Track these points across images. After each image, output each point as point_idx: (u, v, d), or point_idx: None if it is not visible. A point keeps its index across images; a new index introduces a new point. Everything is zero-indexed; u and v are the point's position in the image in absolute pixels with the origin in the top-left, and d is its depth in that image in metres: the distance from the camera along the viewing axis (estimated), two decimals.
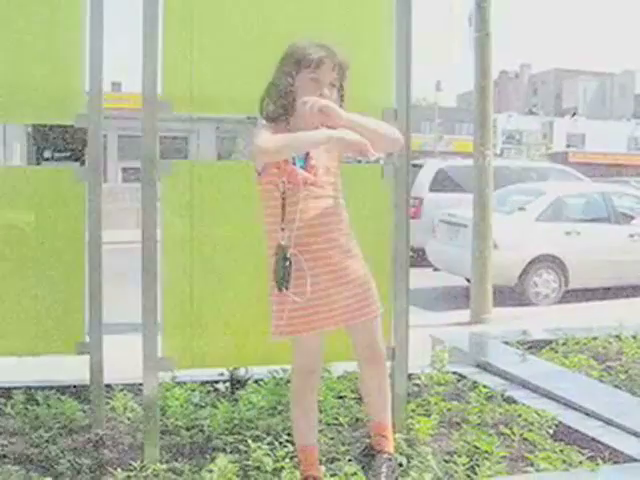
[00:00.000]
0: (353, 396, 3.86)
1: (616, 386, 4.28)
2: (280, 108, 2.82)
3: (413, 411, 3.66)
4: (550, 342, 5.22)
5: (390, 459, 2.99)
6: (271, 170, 2.79)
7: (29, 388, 3.95)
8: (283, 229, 2.76)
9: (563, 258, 9.71)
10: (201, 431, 3.49)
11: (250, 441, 3.18)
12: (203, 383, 4.09)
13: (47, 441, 3.36)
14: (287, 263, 2.72)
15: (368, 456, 3.10)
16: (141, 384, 3.27)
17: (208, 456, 3.18)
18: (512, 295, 9.38)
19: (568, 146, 56.48)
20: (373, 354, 2.96)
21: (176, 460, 3.17)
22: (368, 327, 2.91)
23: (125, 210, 18.60)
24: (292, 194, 2.77)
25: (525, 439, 3.40)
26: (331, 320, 2.84)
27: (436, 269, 10.82)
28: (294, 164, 2.79)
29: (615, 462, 3.17)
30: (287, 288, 2.73)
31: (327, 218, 2.83)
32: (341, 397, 3.88)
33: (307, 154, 2.84)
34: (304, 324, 2.80)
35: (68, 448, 3.30)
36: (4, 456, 3.22)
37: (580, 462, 3.12)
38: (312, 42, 2.80)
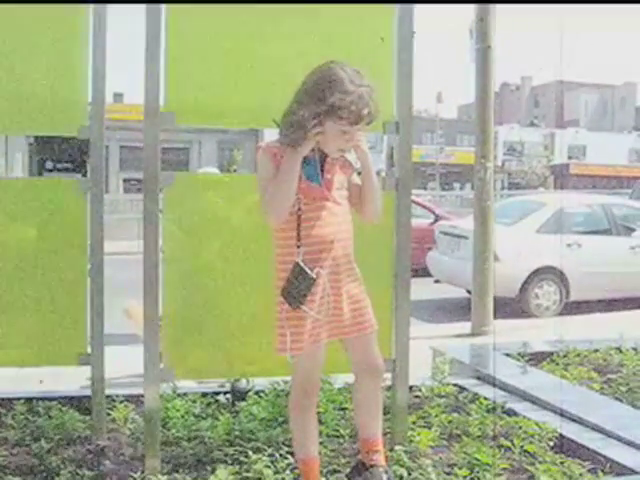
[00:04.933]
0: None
1: (617, 398, 4.28)
2: (294, 141, 2.70)
3: (414, 423, 3.66)
4: (551, 354, 5.21)
5: (387, 471, 2.97)
6: None
7: (30, 399, 3.95)
8: (299, 246, 2.73)
9: (564, 270, 9.69)
10: (202, 442, 3.49)
11: (251, 452, 3.17)
12: (204, 394, 4.09)
13: (48, 452, 3.35)
14: (308, 281, 2.69)
15: (360, 472, 3.00)
16: (142, 395, 3.28)
17: (209, 467, 3.18)
18: (513, 307, 9.37)
19: (569, 158, 56.62)
20: (369, 367, 2.95)
21: (177, 471, 3.16)
22: (363, 341, 2.91)
23: (126, 221, 18.63)
24: (309, 210, 2.75)
25: (526, 451, 3.40)
26: (328, 333, 2.84)
27: (437, 281, 10.82)
28: (308, 179, 2.77)
29: (616, 474, 3.16)
30: (301, 304, 2.71)
31: (344, 234, 2.83)
32: (342, 409, 3.88)
33: (322, 167, 2.80)
34: (310, 337, 2.78)
35: (69, 459, 3.30)
36: (5, 467, 3.21)
37: (581, 474, 3.12)
38: (354, 88, 2.63)
